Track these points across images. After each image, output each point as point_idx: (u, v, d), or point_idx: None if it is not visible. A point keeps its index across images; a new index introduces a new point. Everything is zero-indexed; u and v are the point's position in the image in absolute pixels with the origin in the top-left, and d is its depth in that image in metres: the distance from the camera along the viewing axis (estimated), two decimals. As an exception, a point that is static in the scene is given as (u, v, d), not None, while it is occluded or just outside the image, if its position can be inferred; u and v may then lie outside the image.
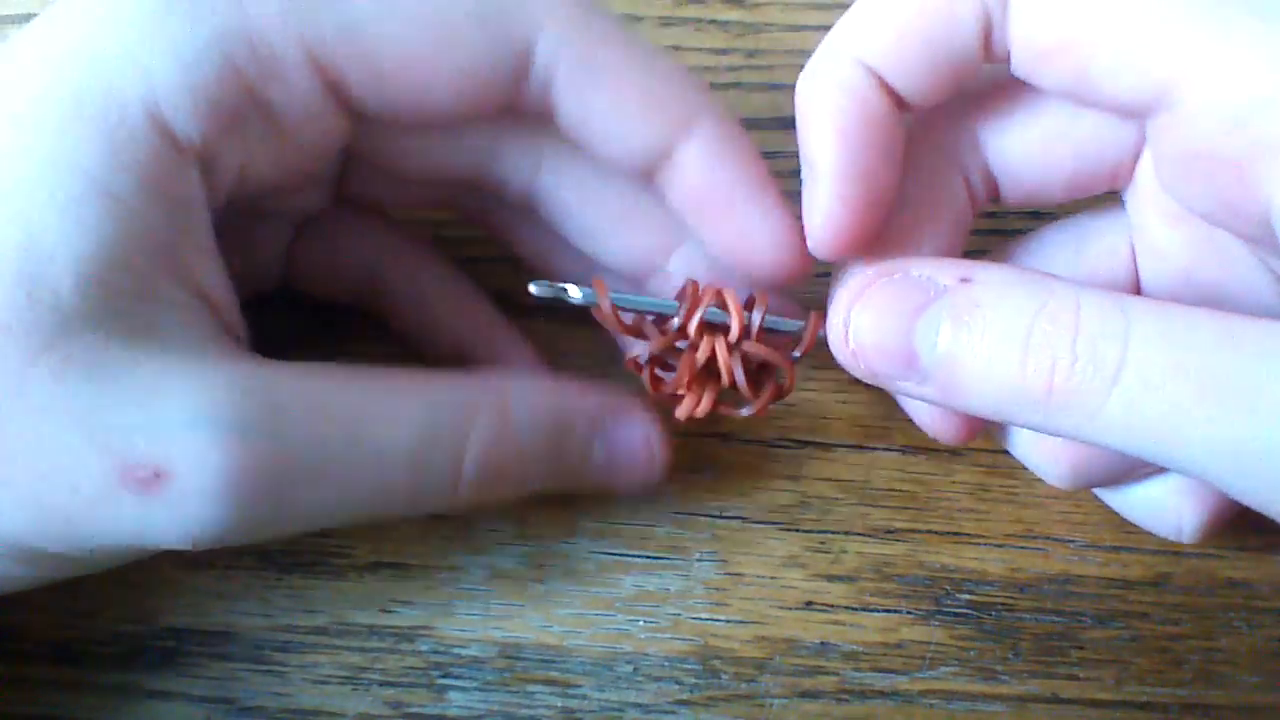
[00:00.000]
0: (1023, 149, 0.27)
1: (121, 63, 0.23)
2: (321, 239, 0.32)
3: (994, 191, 0.28)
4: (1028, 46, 0.24)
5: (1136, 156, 0.26)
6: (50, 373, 0.22)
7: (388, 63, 0.25)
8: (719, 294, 0.27)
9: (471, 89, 0.26)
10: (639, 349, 0.28)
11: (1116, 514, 0.31)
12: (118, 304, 0.23)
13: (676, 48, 0.36)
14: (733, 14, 0.36)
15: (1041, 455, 0.29)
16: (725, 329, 0.27)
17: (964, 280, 0.23)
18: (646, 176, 0.28)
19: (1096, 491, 0.32)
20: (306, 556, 0.33)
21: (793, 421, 0.34)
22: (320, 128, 0.26)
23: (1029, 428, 0.23)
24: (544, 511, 0.33)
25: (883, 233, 0.26)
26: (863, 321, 0.24)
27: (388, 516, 0.28)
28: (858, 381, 0.35)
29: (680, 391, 0.28)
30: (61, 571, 0.26)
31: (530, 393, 0.28)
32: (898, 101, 0.25)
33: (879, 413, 0.34)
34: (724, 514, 0.34)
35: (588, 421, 0.29)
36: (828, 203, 0.25)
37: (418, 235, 0.33)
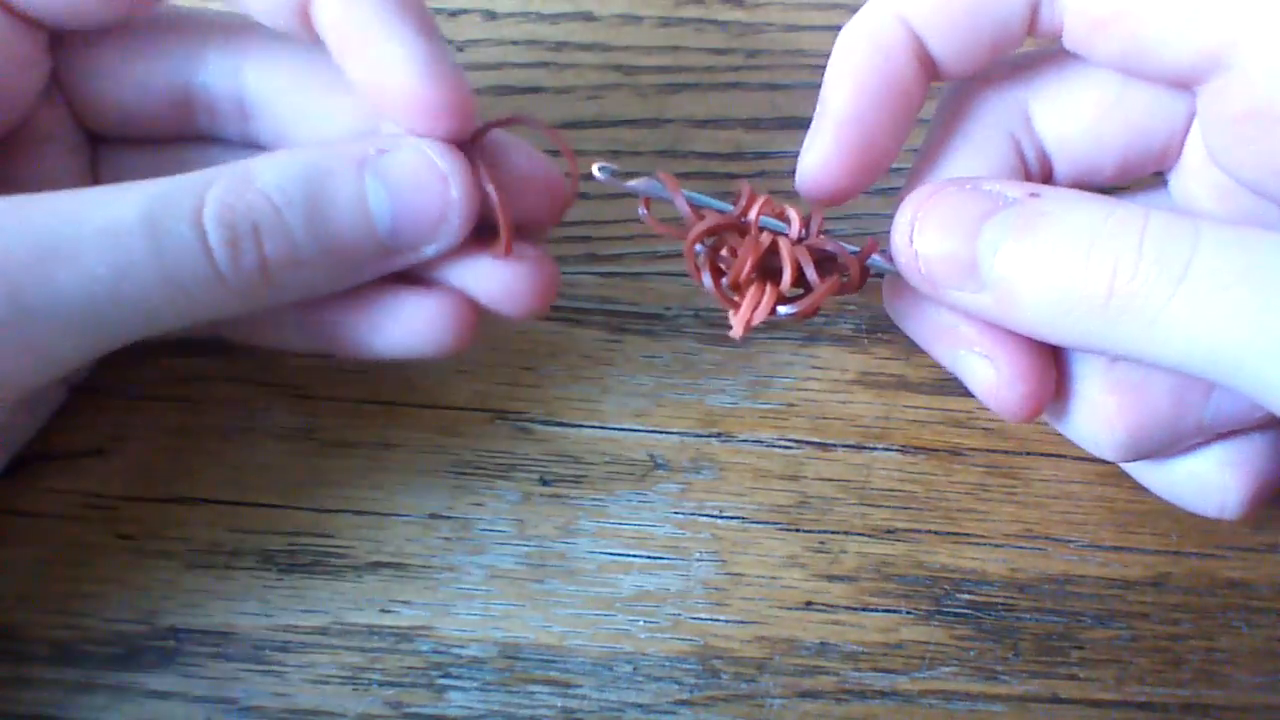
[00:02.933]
0: (1075, 125, 0.27)
1: None
2: (103, 55, 0.29)
3: (1047, 171, 0.28)
4: (1081, 18, 0.25)
5: (1184, 134, 0.27)
6: None
7: None
8: (772, 203, 0.27)
9: None
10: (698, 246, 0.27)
11: (1117, 514, 0.31)
12: None
13: (676, 48, 0.36)
14: (733, 14, 0.36)
15: (1098, 422, 0.28)
16: (784, 234, 0.27)
17: (1033, 195, 0.23)
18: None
19: (1138, 475, 0.31)
20: (306, 556, 0.33)
21: (793, 421, 0.34)
22: (9, 55, 0.26)
23: (1082, 343, 0.23)
24: (544, 511, 0.33)
25: None
26: (929, 223, 0.24)
27: (166, 312, 0.25)
28: (858, 381, 0.35)
29: (740, 283, 0.27)
30: None
31: (282, 154, 0.25)
32: (929, 67, 0.25)
33: (879, 413, 0.34)
34: (724, 514, 0.34)
35: (349, 160, 0.25)
36: (825, 144, 0.25)
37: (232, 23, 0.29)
